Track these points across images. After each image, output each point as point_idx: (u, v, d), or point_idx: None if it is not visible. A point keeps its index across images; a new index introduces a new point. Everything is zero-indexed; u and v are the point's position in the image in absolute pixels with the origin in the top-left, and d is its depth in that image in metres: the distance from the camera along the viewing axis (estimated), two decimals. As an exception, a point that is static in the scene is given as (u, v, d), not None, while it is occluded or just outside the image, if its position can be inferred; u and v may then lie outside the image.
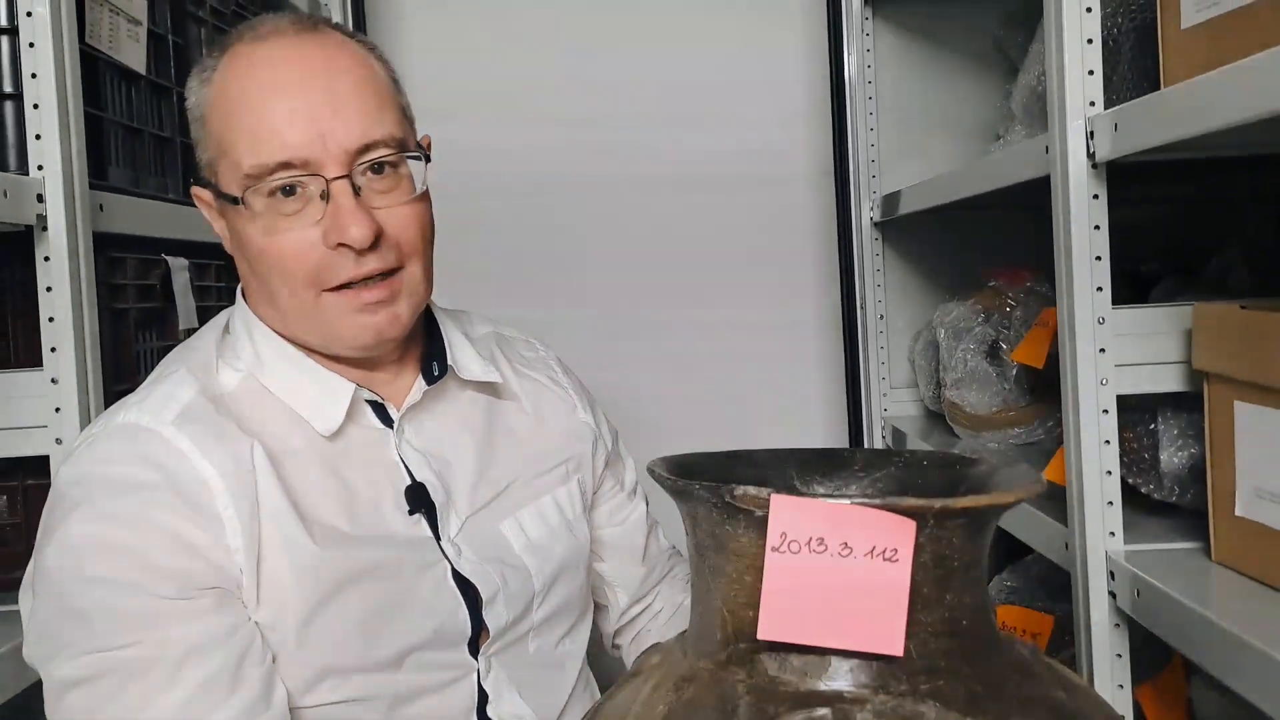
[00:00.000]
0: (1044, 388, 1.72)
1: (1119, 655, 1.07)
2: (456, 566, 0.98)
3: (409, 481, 0.99)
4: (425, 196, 0.98)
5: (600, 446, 1.16)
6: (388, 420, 1.00)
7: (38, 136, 1.06)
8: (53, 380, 1.07)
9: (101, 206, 1.13)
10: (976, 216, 1.99)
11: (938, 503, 0.67)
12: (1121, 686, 1.07)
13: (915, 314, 2.13)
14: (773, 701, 0.68)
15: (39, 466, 1.10)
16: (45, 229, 1.06)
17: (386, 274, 0.95)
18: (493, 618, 0.99)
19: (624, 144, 2.28)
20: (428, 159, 0.98)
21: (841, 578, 0.68)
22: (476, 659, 0.98)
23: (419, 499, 0.98)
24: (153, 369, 1.01)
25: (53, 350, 1.07)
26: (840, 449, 0.90)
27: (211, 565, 0.88)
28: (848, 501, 0.68)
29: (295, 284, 0.93)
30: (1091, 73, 1.08)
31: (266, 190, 0.91)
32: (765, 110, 2.30)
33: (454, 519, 1.00)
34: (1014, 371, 1.74)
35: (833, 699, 0.68)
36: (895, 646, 0.68)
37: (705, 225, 2.31)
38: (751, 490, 0.69)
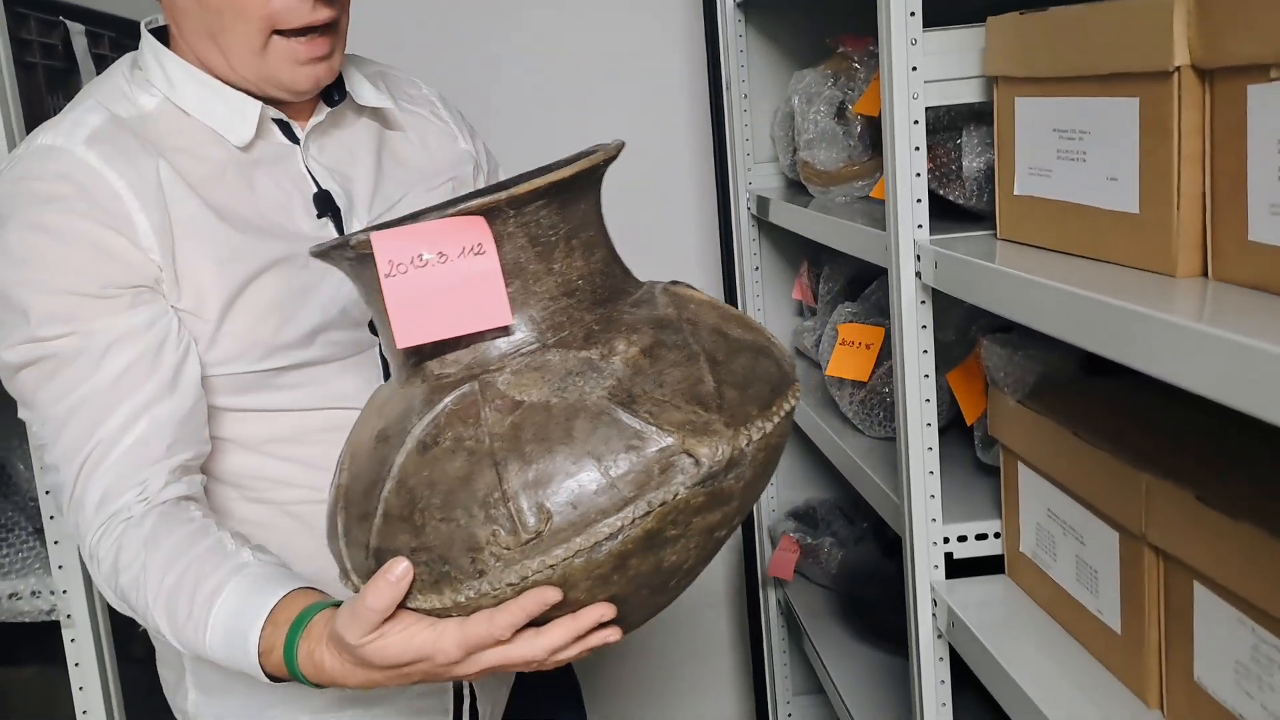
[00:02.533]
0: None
1: (924, 327, 1.29)
2: None
3: (316, 190, 1.13)
4: None
5: (479, 171, 1.32)
6: (294, 139, 1.14)
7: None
8: (-22, 118, 1.18)
9: (2, -41, 1.22)
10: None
11: (504, 194, 0.83)
12: (926, 352, 1.29)
13: (776, 93, 2.28)
14: (439, 392, 0.86)
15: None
16: (-45, -25, 1.14)
17: (329, 26, 1.07)
18: None
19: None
20: None
21: (447, 280, 0.83)
22: (378, 337, 1.15)
23: (325, 205, 1.14)
24: (38, 126, 1.11)
25: (-25, 91, 1.17)
26: (498, 182, 1.06)
27: (128, 266, 1.03)
28: (432, 219, 0.83)
29: (249, 24, 1.04)
30: None
31: None
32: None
33: (356, 224, 1.16)
34: (858, 128, 1.92)
35: (479, 374, 0.85)
36: (504, 318, 0.85)
37: (575, 18, 2.42)
38: (359, 235, 0.84)
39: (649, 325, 0.88)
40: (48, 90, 1.34)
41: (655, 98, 2.46)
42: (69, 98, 1.39)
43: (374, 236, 0.83)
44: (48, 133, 1.06)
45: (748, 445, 0.85)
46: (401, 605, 0.85)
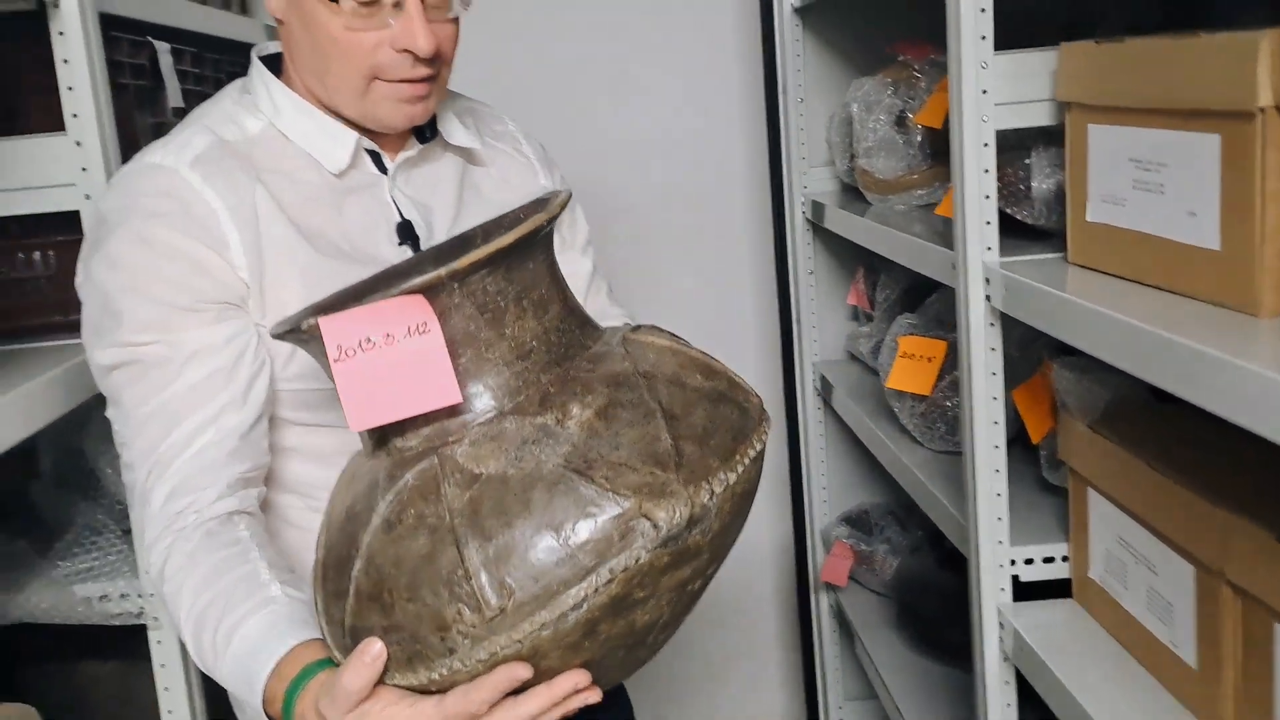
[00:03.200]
0: (944, 152, 1.91)
1: (993, 349, 1.30)
2: None
3: (399, 219, 1.17)
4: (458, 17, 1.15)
5: None
6: (383, 169, 1.19)
7: (43, -78, 1.17)
8: (77, 143, 1.22)
9: (98, -12, 1.25)
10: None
11: (444, 270, 0.82)
12: (994, 374, 1.30)
13: (833, 97, 2.28)
14: (401, 468, 0.86)
15: (66, 223, 1.25)
16: (57, 6, 1.19)
17: (431, 77, 1.13)
18: None
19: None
20: None
21: (395, 361, 0.83)
22: None
23: (406, 233, 1.18)
24: (150, 144, 1.17)
25: (74, 116, 1.21)
26: (470, 230, 1.06)
27: (218, 282, 1.08)
28: (376, 300, 0.82)
29: (356, 72, 1.11)
30: None
31: None
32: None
33: None
34: (918, 138, 1.92)
35: (439, 447, 0.85)
36: (454, 396, 0.84)
37: (630, 23, 2.44)
38: (310, 320, 0.85)
39: (604, 384, 0.87)
40: (136, 107, 1.38)
41: (710, 100, 2.48)
42: (155, 114, 1.44)
43: (321, 321, 0.84)
44: (157, 151, 1.12)
45: (710, 500, 0.84)
46: (381, 682, 0.87)
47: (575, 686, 0.86)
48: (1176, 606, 1.08)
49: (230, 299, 1.09)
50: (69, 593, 1.37)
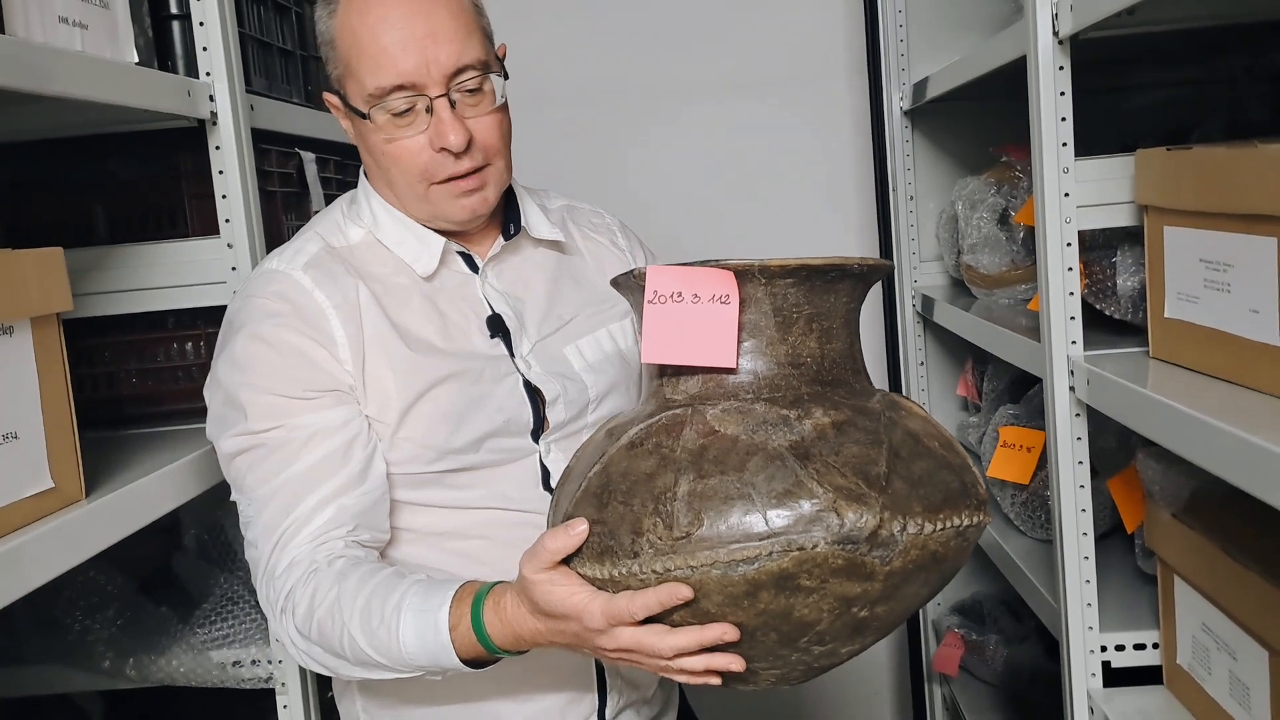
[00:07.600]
0: (1048, 248, 1.95)
1: (1079, 439, 1.33)
2: (527, 377, 1.27)
3: (489, 313, 1.28)
4: (504, 106, 1.25)
5: None
6: (474, 268, 1.29)
7: (204, 49, 1.34)
8: (229, 245, 1.37)
9: (252, 107, 1.41)
10: (996, 103, 2.19)
11: (756, 262, 0.97)
12: (1081, 463, 1.33)
13: (942, 195, 2.34)
14: (661, 409, 1.01)
15: (216, 317, 1.39)
16: (215, 123, 1.35)
17: (478, 169, 1.22)
18: (553, 414, 1.28)
19: (664, 49, 2.52)
20: (506, 75, 1.24)
21: (694, 316, 0.99)
22: (538, 445, 1.27)
23: (497, 326, 1.27)
24: (271, 252, 1.31)
25: (227, 221, 1.36)
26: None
27: (327, 373, 1.20)
28: (691, 264, 0.98)
29: (409, 177, 1.22)
30: (1054, -37, 1.31)
31: (387, 109, 1.18)
32: (801, 11, 2.51)
33: (525, 342, 1.29)
34: (1021, 235, 1.97)
35: (694, 402, 1.00)
36: (728, 361, 0.99)
37: (749, 123, 2.54)
38: (640, 268, 1.01)
39: (850, 409, 0.98)
40: (283, 212, 1.53)
41: (822, 199, 2.55)
42: (300, 217, 1.59)
43: (649, 268, 1.00)
44: (275, 258, 1.26)
45: (899, 532, 0.92)
46: (569, 565, 1.00)
47: (722, 637, 0.95)
48: (1254, 691, 1.09)
49: (338, 387, 1.20)
50: (205, 658, 1.48)
